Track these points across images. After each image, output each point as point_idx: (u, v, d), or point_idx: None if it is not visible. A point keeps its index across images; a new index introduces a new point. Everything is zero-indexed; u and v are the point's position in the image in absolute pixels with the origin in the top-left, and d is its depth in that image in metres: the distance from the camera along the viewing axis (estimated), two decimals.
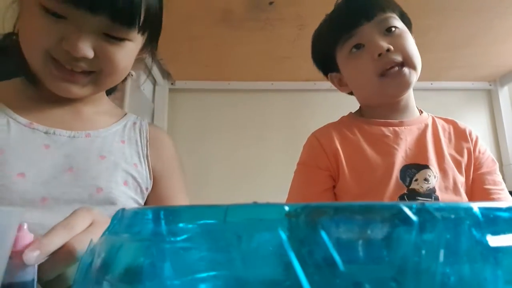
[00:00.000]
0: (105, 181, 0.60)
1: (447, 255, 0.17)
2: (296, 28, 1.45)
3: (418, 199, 0.71)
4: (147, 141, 0.70)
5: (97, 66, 0.56)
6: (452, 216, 0.18)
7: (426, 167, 0.74)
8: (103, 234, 0.23)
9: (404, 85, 0.73)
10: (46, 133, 0.59)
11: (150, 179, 0.68)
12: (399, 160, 0.74)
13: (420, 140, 0.77)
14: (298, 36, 1.50)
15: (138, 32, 0.58)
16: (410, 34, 0.77)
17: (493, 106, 2.13)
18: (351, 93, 0.87)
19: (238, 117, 2.06)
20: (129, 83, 1.59)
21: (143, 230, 0.20)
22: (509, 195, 0.77)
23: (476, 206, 0.18)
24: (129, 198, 0.63)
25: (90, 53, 0.54)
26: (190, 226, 0.20)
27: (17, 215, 0.29)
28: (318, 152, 0.78)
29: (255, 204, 0.19)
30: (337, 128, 0.81)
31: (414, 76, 0.73)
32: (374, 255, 0.18)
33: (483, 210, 0.18)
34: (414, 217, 0.17)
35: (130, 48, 0.59)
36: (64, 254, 0.34)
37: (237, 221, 0.19)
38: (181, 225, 0.20)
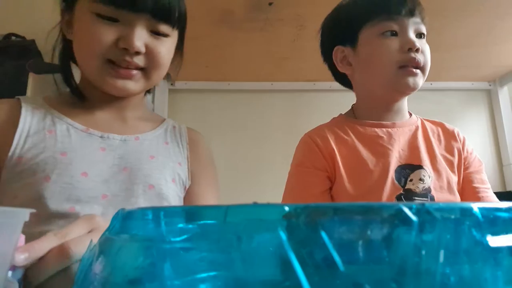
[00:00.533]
0: (155, 178, 0.67)
1: (447, 256, 0.17)
2: (296, 28, 1.45)
3: (415, 199, 0.72)
4: (187, 143, 0.78)
5: (146, 62, 0.64)
6: (452, 217, 0.18)
7: (420, 167, 0.75)
8: (103, 234, 0.23)
9: (413, 86, 0.75)
10: (101, 137, 0.66)
11: (189, 179, 0.75)
12: (394, 160, 0.75)
13: (412, 142, 0.79)
14: (297, 36, 1.50)
15: (174, 27, 0.66)
16: None
17: (493, 106, 2.13)
18: (343, 83, 0.88)
19: (238, 118, 2.06)
20: None
21: (143, 230, 0.20)
22: (493, 194, 0.79)
23: (476, 206, 0.18)
24: (176, 195, 0.70)
25: (143, 48, 0.62)
26: (190, 226, 0.20)
27: (22, 215, 0.29)
28: (314, 153, 0.78)
29: (255, 205, 0.19)
30: (331, 128, 0.81)
31: (421, 82, 0.76)
32: (374, 256, 0.18)
33: (483, 210, 0.18)
34: (414, 218, 0.17)
35: (170, 43, 0.68)
36: (55, 255, 0.34)
37: (237, 221, 0.19)
38: (181, 225, 0.20)
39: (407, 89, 0.76)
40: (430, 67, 0.79)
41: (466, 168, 0.79)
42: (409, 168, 0.75)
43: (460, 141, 0.81)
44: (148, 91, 0.84)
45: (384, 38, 0.75)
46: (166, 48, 0.66)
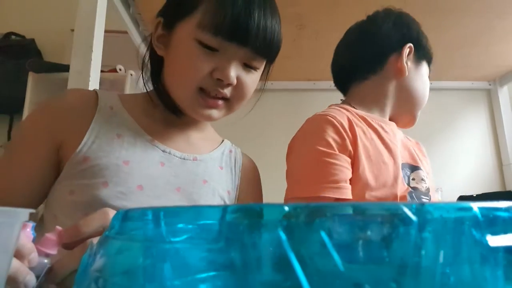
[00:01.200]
0: (204, 202, 0.67)
1: (447, 255, 0.17)
2: (296, 28, 1.45)
3: (422, 198, 0.73)
4: (239, 171, 0.78)
5: (233, 93, 0.64)
6: (452, 216, 0.18)
7: (418, 168, 0.77)
8: (103, 234, 0.23)
9: None
10: (163, 151, 0.67)
11: (236, 194, 0.75)
12: (399, 157, 0.76)
13: (405, 143, 0.82)
14: (298, 36, 1.50)
15: (268, 61, 0.68)
16: None
17: (493, 105, 2.13)
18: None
19: (238, 117, 2.06)
20: (128, 83, 1.59)
21: (143, 230, 0.20)
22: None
23: (475, 206, 0.18)
24: None
25: (235, 81, 0.62)
26: (189, 226, 0.20)
27: (22, 215, 0.29)
28: (340, 135, 0.72)
29: (254, 205, 0.19)
30: (348, 113, 0.78)
31: None
32: (374, 256, 0.18)
33: (482, 210, 0.18)
34: (413, 217, 0.17)
35: (258, 76, 0.68)
36: (80, 251, 0.35)
37: (237, 221, 0.19)
38: (180, 225, 0.20)
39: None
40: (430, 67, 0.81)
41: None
42: (409, 168, 0.76)
43: (423, 153, 0.87)
44: None
45: (426, 78, 0.88)
46: (253, 80, 0.67)
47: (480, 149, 2.06)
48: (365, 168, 0.71)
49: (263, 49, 0.63)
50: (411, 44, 0.84)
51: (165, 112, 0.69)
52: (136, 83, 1.73)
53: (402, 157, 0.77)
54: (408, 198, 0.71)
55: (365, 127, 0.77)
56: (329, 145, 0.72)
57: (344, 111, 0.79)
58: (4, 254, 0.28)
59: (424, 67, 0.85)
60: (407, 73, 0.81)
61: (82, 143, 0.60)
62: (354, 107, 0.83)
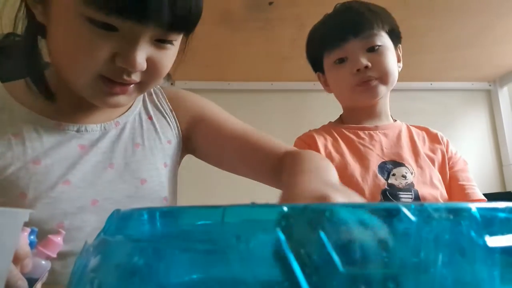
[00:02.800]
0: (146, 170, 0.59)
1: (446, 256, 0.17)
2: (296, 28, 1.45)
3: (399, 194, 0.77)
4: (169, 107, 0.68)
5: (145, 76, 0.53)
6: (451, 217, 0.18)
7: (402, 165, 0.80)
8: (98, 234, 0.23)
9: (373, 95, 0.82)
10: (77, 131, 0.57)
11: (180, 133, 0.67)
12: (375, 158, 0.81)
13: (396, 142, 0.85)
14: (298, 36, 1.50)
15: (185, 33, 0.56)
16: (392, 51, 0.83)
17: (493, 106, 2.13)
18: None
19: (238, 118, 2.05)
20: None
21: (139, 231, 0.20)
22: (479, 191, 0.83)
23: (474, 206, 0.18)
24: (171, 179, 0.64)
25: (145, 65, 0.51)
26: (186, 227, 0.20)
27: (22, 215, 0.29)
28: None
29: (253, 205, 0.19)
30: (319, 132, 0.89)
31: (383, 89, 0.82)
32: (373, 256, 0.18)
33: (481, 210, 0.18)
34: (413, 218, 0.17)
35: (175, 50, 0.56)
36: None
37: (235, 222, 0.19)
38: (177, 225, 0.20)
39: (366, 101, 0.84)
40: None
41: (451, 167, 0.85)
42: (392, 164, 0.81)
43: (444, 143, 0.88)
44: None
45: (337, 67, 0.83)
46: (169, 57, 0.55)
47: (480, 150, 2.06)
48: None
49: (179, 24, 0.51)
50: (317, 74, 0.94)
51: (71, 93, 0.56)
52: None
53: (386, 156, 0.81)
54: (380, 197, 0.77)
55: (335, 139, 0.85)
56: None
57: (319, 130, 0.90)
58: (5, 254, 0.28)
59: (326, 71, 0.89)
60: (331, 91, 0.91)
61: None
62: (342, 121, 0.92)
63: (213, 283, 0.18)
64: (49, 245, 0.37)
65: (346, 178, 0.78)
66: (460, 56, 1.75)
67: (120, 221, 0.22)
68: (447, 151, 0.87)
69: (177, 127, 0.67)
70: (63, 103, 0.58)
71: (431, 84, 2.07)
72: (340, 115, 0.94)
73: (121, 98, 0.54)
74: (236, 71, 1.92)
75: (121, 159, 0.58)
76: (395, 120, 0.91)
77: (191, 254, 0.19)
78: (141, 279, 0.18)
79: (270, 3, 1.32)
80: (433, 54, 1.69)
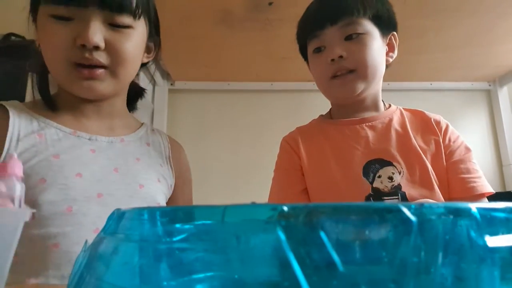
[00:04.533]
0: (143, 179, 0.69)
1: (446, 256, 0.17)
2: (296, 28, 1.45)
3: (384, 199, 0.71)
4: (168, 144, 0.80)
5: (109, 58, 0.62)
6: (451, 217, 0.18)
7: (390, 163, 0.73)
8: (99, 234, 0.23)
9: (348, 91, 0.75)
10: (89, 139, 0.67)
11: (173, 177, 0.77)
12: (359, 157, 0.74)
13: (384, 135, 0.77)
14: None
15: (136, 17, 0.63)
16: (378, 40, 0.75)
17: (493, 106, 2.13)
18: None
19: (238, 118, 2.06)
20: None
21: (139, 230, 0.20)
22: (486, 182, 0.73)
23: (474, 206, 0.18)
24: (162, 193, 0.73)
25: (102, 43, 0.60)
26: (187, 226, 0.20)
27: (22, 215, 0.29)
28: (289, 154, 0.82)
29: (253, 205, 0.19)
30: (304, 131, 0.86)
31: (361, 85, 0.74)
32: (373, 256, 0.18)
33: (481, 210, 0.18)
34: (413, 218, 0.17)
35: (136, 36, 0.65)
36: None
37: (235, 221, 0.19)
38: (177, 225, 0.20)
39: (343, 96, 0.78)
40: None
41: (449, 158, 0.75)
42: (379, 163, 0.73)
43: (440, 129, 0.78)
44: (139, 97, 0.85)
45: (314, 56, 0.79)
46: (130, 41, 0.64)
47: (480, 150, 2.06)
48: (308, 177, 0.78)
49: (115, 5, 0.61)
50: (306, 62, 0.87)
51: (82, 108, 0.69)
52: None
53: (373, 153, 0.74)
54: (364, 201, 0.71)
55: (318, 137, 0.81)
56: (281, 166, 0.83)
57: (304, 127, 0.87)
58: (5, 253, 0.28)
59: (308, 60, 0.84)
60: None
61: (4, 151, 0.59)
62: (330, 115, 0.87)
63: (213, 283, 0.18)
64: (7, 167, 0.37)
65: (328, 184, 0.75)
66: (460, 56, 1.75)
67: (120, 220, 0.22)
68: (443, 139, 0.76)
69: (168, 161, 0.78)
70: (76, 117, 0.69)
71: (431, 84, 2.07)
72: (330, 108, 0.88)
73: (95, 84, 0.63)
74: (235, 71, 1.92)
75: (124, 167, 0.68)
76: (389, 106, 0.83)
77: (191, 254, 0.19)
78: (141, 278, 0.18)
79: (270, 3, 1.32)
80: (433, 54, 1.69)
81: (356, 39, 0.73)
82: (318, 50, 0.77)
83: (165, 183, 0.74)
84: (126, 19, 0.62)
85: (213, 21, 1.42)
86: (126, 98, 0.78)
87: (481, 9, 1.37)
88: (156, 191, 0.71)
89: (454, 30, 1.51)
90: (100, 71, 0.62)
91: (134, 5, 0.63)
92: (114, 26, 0.62)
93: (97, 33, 0.59)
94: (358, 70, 0.73)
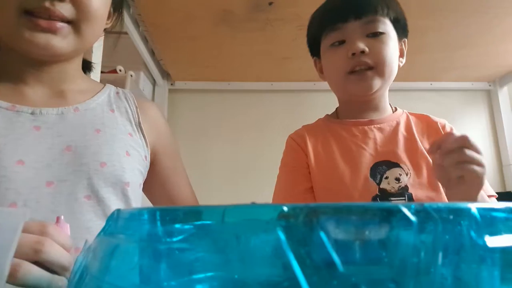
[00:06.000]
0: (106, 154, 0.58)
1: (446, 256, 0.17)
2: (296, 28, 1.45)
3: (391, 200, 0.71)
4: (136, 108, 0.68)
5: (74, 12, 0.53)
6: (451, 217, 0.18)
7: (397, 165, 0.74)
8: (99, 234, 0.23)
9: (366, 87, 0.75)
10: (32, 113, 0.55)
11: (147, 147, 0.66)
12: (367, 159, 0.75)
13: (391, 138, 0.77)
14: (297, 36, 1.50)
15: None
16: (395, 42, 0.76)
17: (493, 106, 2.13)
18: None
19: (238, 118, 2.06)
20: (128, 83, 1.59)
21: (139, 230, 0.20)
22: (489, 185, 0.73)
23: (474, 206, 0.18)
24: (134, 169, 0.62)
25: None
26: (186, 227, 0.20)
27: (22, 215, 0.29)
28: (296, 152, 0.81)
29: (253, 205, 0.19)
30: (310, 129, 0.84)
31: (378, 82, 0.74)
32: (373, 256, 0.18)
33: (481, 210, 0.18)
34: (413, 218, 0.17)
35: None
36: None
37: (235, 221, 0.19)
38: (177, 225, 0.20)
39: (358, 93, 0.77)
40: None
41: None
42: (386, 165, 0.74)
43: (444, 132, 0.79)
44: (88, 69, 0.73)
45: (333, 50, 0.77)
46: None
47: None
48: (315, 176, 0.77)
49: None
50: (314, 58, 0.87)
51: (25, 74, 0.57)
52: (136, 84, 1.73)
53: (380, 155, 0.75)
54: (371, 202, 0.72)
55: (326, 137, 0.80)
56: (287, 163, 0.82)
57: (311, 126, 0.86)
58: (4, 254, 0.28)
59: (322, 55, 0.83)
60: (325, 78, 0.84)
61: None
62: (337, 115, 0.86)
63: (213, 283, 0.18)
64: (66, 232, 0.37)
65: (336, 183, 0.74)
66: (460, 56, 1.75)
67: (120, 220, 0.22)
68: None
69: (139, 129, 0.66)
70: (17, 86, 0.57)
71: (431, 84, 2.07)
72: (336, 108, 0.88)
73: (54, 39, 0.52)
74: (236, 71, 1.92)
75: (80, 142, 0.56)
76: (396, 109, 0.84)
77: (191, 254, 0.19)
78: (141, 279, 0.18)
79: (270, 3, 1.32)
80: (433, 54, 1.69)
81: (378, 37, 0.73)
82: (337, 44, 0.76)
83: (137, 156, 0.63)
84: None
85: (213, 21, 1.42)
86: (81, 64, 0.66)
87: (481, 9, 1.37)
88: (123, 168, 0.59)
89: (454, 30, 1.51)
90: (62, 24, 0.52)
91: None
92: None
93: None
94: (377, 68, 0.73)
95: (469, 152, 0.57)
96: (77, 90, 0.63)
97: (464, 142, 0.57)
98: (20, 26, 0.50)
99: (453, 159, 0.58)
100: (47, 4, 0.49)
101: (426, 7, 1.33)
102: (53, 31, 0.52)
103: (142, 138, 0.66)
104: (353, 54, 0.72)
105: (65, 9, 0.51)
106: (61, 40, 0.53)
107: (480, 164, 0.58)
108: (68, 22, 0.53)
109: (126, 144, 0.62)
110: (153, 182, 0.70)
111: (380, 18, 0.74)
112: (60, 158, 0.54)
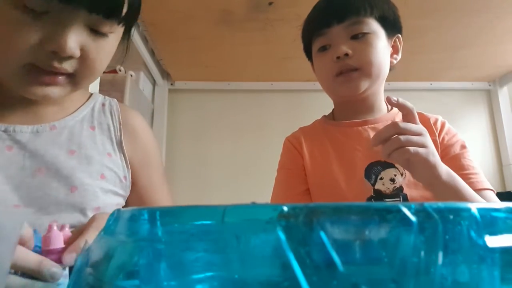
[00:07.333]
0: (79, 178, 0.55)
1: (446, 256, 0.17)
2: (296, 28, 1.44)
3: (386, 201, 0.71)
4: (120, 125, 0.65)
5: (78, 67, 0.51)
6: (451, 217, 0.18)
7: (392, 165, 0.73)
8: (99, 234, 0.23)
9: (353, 88, 0.75)
10: (5, 131, 0.53)
11: (127, 167, 0.63)
12: (361, 159, 0.75)
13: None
14: (298, 36, 1.49)
15: (120, 24, 0.53)
16: (383, 40, 0.76)
17: (493, 106, 2.13)
18: None
19: (238, 118, 2.06)
20: (128, 83, 1.59)
21: (139, 231, 0.20)
22: (483, 178, 0.73)
23: (474, 206, 0.18)
24: (108, 192, 0.59)
25: (78, 52, 0.49)
26: (187, 227, 0.20)
27: (22, 215, 0.29)
28: (293, 154, 0.82)
29: (253, 205, 0.19)
30: (307, 131, 0.86)
31: (365, 83, 0.74)
32: (373, 256, 0.18)
33: (481, 210, 0.18)
34: (413, 218, 0.17)
35: (112, 42, 0.55)
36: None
37: (235, 221, 0.19)
38: (177, 226, 0.20)
39: (347, 94, 0.77)
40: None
41: (443, 156, 0.74)
42: (381, 165, 0.74)
43: (437, 129, 0.78)
44: None
45: (320, 55, 0.79)
46: (106, 50, 0.54)
47: (480, 149, 2.06)
48: (310, 177, 0.78)
49: (109, 10, 0.49)
50: (310, 62, 0.88)
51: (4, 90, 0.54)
52: (136, 84, 1.73)
53: (375, 155, 0.74)
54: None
55: (321, 138, 0.81)
56: (284, 165, 0.83)
57: (307, 128, 0.87)
58: (5, 255, 0.28)
59: (313, 60, 0.85)
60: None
61: None
62: (333, 116, 0.87)
63: (213, 283, 0.18)
64: (49, 241, 0.37)
65: (330, 185, 0.75)
66: (460, 56, 1.75)
67: (120, 220, 0.22)
68: (439, 138, 0.76)
69: (121, 148, 0.64)
70: None
71: (431, 84, 2.07)
72: (333, 109, 0.88)
73: (51, 90, 0.51)
74: (236, 71, 1.93)
75: (52, 165, 0.54)
76: (392, 109, 0.83)
77: (191, 254, 0.19)
78: (141, 279, 0.18)
79: (270, 3, 1.32)
80: (433, 54, 1.69)
81: (362, 38, 0.74)
82: (323, 48, 0.77)
83: (113, 178, 0.60)
84: (111, 27, 0.52)
85: (213, 21, 1.42)
86: None
87: (481, 9, 1.37)
88: (95, 192, 0.56)
89: (454, 30, 1.51)
90: (62, 77, 0.51)
91: (126, 12, 0.52)
92: (95, 32, 0.50)
93: (76, 40, 0.48)
94: (362, 69, 0.74)
95: (404, 137, 0.57)
96: (58, 104, 0.60)
97: (396, 129, 0.58)
98: (22, 77, 0.49)
99: (390, 147, 0.58)
100: (55, 63, 0.48)
101: (426, 7, 1.33)
102: (53, 84, 0.51)
103: (123, 158, 0.63)
104: (338, 57, 0.73)
105: (70, 65, 0.50)
106: (59, 90, 0.52)
107: (419, 144, 0.58)
108: (69, 74, 0.52)
109: (103, 166, 0.59)
110: (129, 199, 0.67)
111: (363, 19, 0.74)
112: (30, 180, 0.52)
